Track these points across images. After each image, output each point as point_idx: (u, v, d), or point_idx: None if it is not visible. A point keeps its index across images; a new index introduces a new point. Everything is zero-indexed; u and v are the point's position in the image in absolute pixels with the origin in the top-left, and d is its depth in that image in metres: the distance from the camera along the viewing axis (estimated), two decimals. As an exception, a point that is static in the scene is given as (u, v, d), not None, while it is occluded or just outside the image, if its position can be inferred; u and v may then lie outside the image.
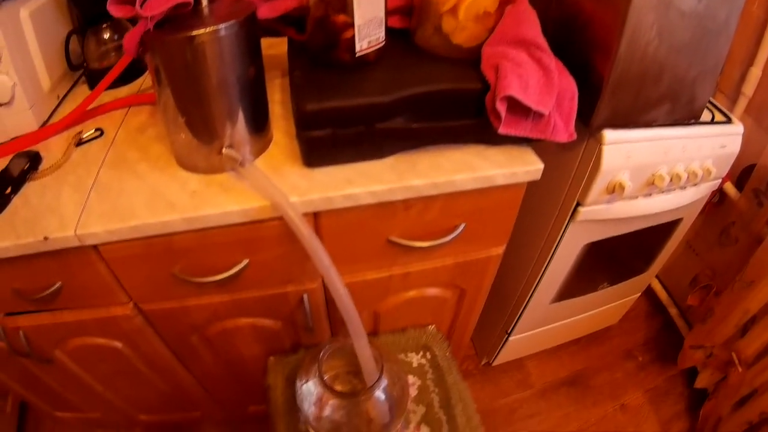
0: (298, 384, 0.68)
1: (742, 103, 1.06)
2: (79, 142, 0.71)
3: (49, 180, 0.64)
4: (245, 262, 0.67)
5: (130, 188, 0.62)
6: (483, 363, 1.41)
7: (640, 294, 1.34)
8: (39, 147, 0.70)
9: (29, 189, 0.63)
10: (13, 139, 0.72)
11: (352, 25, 0.60)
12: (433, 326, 0.91)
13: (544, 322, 1.20)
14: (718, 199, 1.20)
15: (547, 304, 1.10)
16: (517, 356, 1.40)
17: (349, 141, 0.60)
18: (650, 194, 0.86)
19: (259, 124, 0.64)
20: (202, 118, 0.58)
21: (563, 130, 0.65)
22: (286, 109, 0.74)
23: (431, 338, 0.89)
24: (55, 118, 0.77)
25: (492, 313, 1.22)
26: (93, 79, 0.84)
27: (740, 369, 1.08)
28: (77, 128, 0.74)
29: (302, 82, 0.60)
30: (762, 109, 1.03)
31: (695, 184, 0.88)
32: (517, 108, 0.61)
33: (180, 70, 0.54)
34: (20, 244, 0.57)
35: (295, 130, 0.63)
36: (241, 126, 0.60)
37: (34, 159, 0.67)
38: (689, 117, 0.79)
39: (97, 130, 0.73)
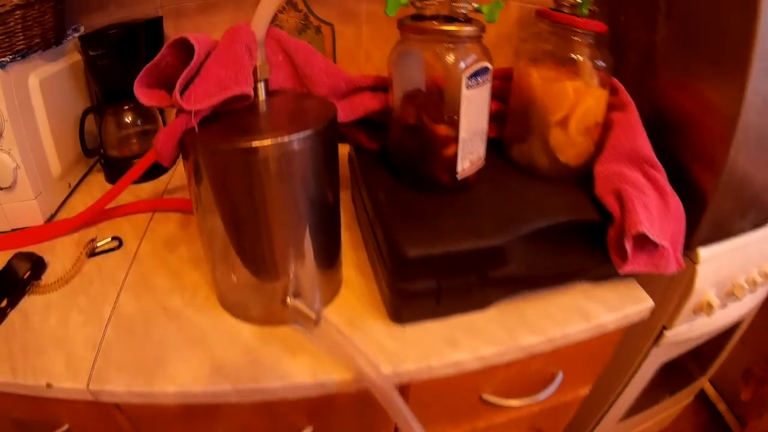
0: None
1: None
2: (92, 253, 0.57)
3: (55, 297, 0.52)
4: (308, 430, 0.52)
5: (161, 331, 0.48)
6: None
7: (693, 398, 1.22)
8: (44, 247, 0.58)
9: (29, 304, 0.51)
10: (14, 230, 0.60)
11: (455, 139, 0.49)
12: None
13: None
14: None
15: (614, 423, 0.96)
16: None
17: (455, 293, 0.47)
18: (725, 305, 0.76)
19: (331, 261, 0.50)
20: (260, 254, 0.44)
21: (672, 259, 0.53)
22: (352, 235, 0.61)
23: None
24: (64, 212, 0.66)
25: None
26: (111, 168, 0.71)
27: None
28: (90, 230, 0.61)
29: (392, 212, 0.48)
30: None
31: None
32: (639, 242, 0.50)
33: (236, 190, 0.41)
34: (18, 384, 0.44)
35: (386, 278, 0.48)
36: (310, 265, 0.46)
37: (37, 264, 0.54)
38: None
39: (114, 239, 0.59)
